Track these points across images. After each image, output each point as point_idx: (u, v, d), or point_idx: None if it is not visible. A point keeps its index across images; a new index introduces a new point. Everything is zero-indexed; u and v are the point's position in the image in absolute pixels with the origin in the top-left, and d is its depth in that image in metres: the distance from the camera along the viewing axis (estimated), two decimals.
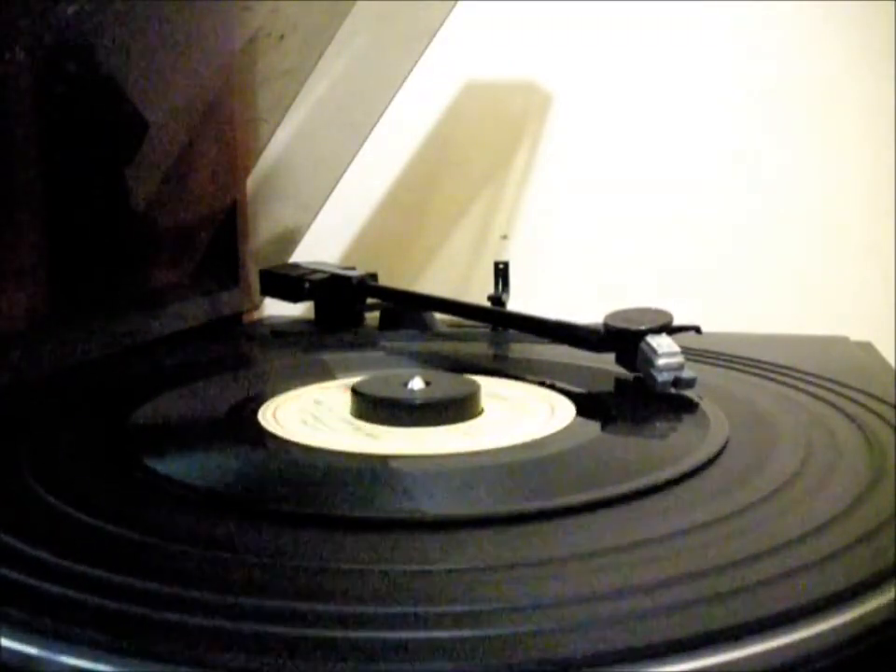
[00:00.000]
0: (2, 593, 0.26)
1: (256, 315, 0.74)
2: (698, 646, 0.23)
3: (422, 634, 0.24)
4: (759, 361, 0.52)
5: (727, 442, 0.38)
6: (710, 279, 0.76)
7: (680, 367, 0.45)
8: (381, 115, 0.71)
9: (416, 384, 0.44)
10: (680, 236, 0.77)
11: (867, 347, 0.58)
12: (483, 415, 0.43)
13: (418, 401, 0.42)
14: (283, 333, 0.65)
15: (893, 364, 0.55)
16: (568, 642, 0.24)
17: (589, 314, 0.52)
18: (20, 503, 0.33)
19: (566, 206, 0.79)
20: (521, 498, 0.34)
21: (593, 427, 0.42)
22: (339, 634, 0.24)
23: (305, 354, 0.59)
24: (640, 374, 0.47)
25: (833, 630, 0.24)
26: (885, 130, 0.72)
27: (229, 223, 0.69)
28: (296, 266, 0.69)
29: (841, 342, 0.59)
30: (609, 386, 0.48)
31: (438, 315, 0.65)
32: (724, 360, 0.53)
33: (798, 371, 0.50)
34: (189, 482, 0.35)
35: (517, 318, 0.57)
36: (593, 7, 0.75)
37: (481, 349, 0.60)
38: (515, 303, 0.63)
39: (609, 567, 0.28)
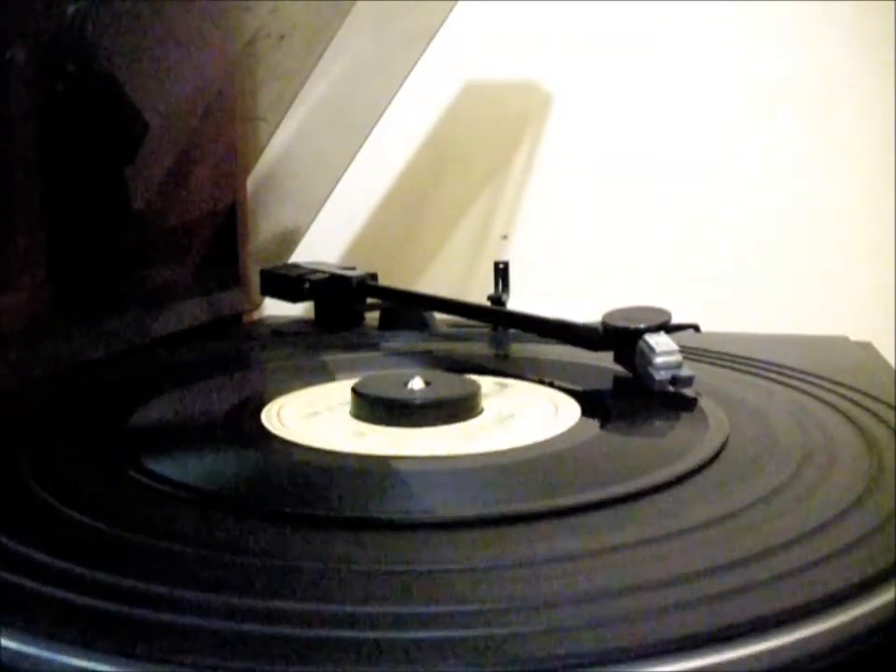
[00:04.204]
0: (2, 594, 0.26)
1: (256, 315, 0.74)
2: (698, 646, 0.23)
3: (422, 634, 0.24)
4: (759, 361, 0.52)
5: (726, 442, 0.38)
6: (710, 279, 0.76)
7: (678, 365, 0.45)
8: (381, 115, 0.71)
9: (416, 384, 0.44)
10: (680, 236, 0.77)
11: (867, 347, 0.58)
12: (483, 415, 0.43)
13: (418, 401, 0.42)
14: (283, 333, 0.65)
15: (893, 364, 0.55)
16: (569, 642, 0.24)
17: (589, 313, 0.52)
18: (19, 504, 0.33)
19: (565, 206, 0.79)
20: (520, 498, 0.34)
21: (592, 426, 0.42)
22: (339, 634, 0.24)
23: (305, 354, 0.59)
24: (639, 373, 0.47)
25: (833, 630, 0.24)
26: (885, 130, 0.72)
27: (229, 223, 0.69)
28: (296, 266, 0.69)
29: (841, 342, 0.59)
30: (607, 385, 0.48)
31: (438, 315, 0.65)
32: (724, 360, 0.53)
33: (798, 370, 0.50)
34: (189, 483, 0.35)
35: (517, 318, 0.57)
36: (592, 7, 0.75)
37: (481, 349, 0.60)
38: (515, 303, 0.63)
39: (608, 566, 0.28)
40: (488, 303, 0.63)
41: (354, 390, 0.44)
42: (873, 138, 0.73)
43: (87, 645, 0.23)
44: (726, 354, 0.54)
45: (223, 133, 0.65)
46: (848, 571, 0.27)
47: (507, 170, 0.80)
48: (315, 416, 0.43)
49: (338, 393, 0.47)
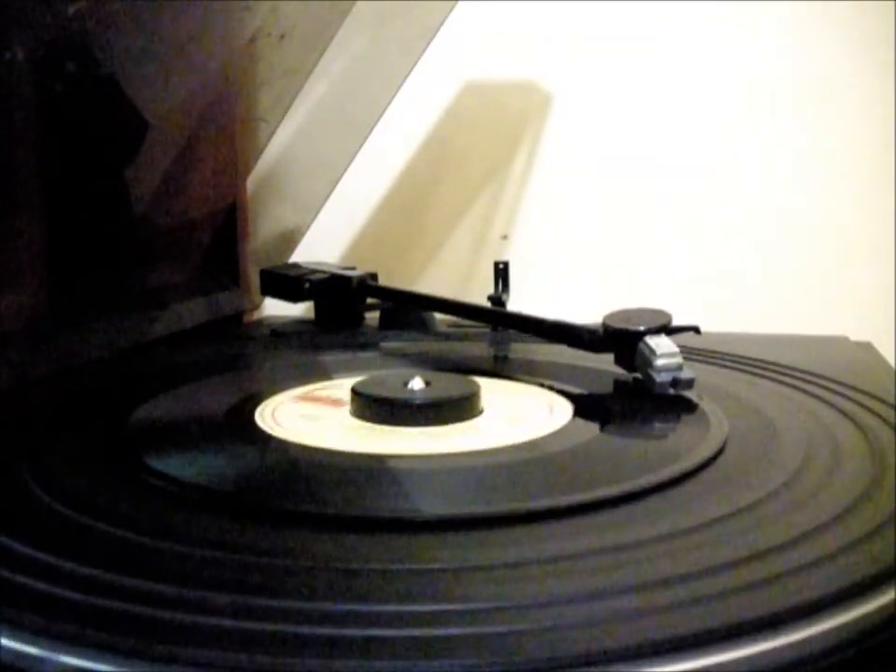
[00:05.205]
0: (1, 594, 0.26)
1: (256, 315, 0.74)
2: (698, 646, 0.23)
3: (420, 633, 0.24)
4: (759, 361, 0.52)
5: (726, 442, 0.38)
6: (710, 279, 0.76)
7: (679, 367, 0.45)
8: (381, 115, 0.71)
9: (416, 384, 0.44)
10: (680, 236, 0.77)
11: (867, 347, 0.58)
12: (483, 415, 0.43)
13: (418, 401, 0.42)
14: (283, 333, 0.65)
15: (893, 364, 0.55)
16: (568, 641, 0.24)
17: (589, 313, 0.52)
18: (19, 504, 0.33)
19: (565, 206, 0.79)
20: (519, 498, 0.34)
21: (591, 428, 0.42)
22: (337, 633, 0.24)
23: (305, 354, 0.59)
24: (639, 375, 0.47)
25: (833, 630, 0.24)
26: (885, 130, 0.72)
27: (229, 223, 0.69)
28: (296, 266, 0.69)
29: (841, 342, 0.59)
30: (608, 387, 0.48)
31: (438, 315, 0.65)
32: (724, 360, 0.53)
33: (798, 370, 0.50)
34: (189, 482, 0.35)
35: (517, 318, 0.57)
36: (592, 7, 0.75)
37: (481, 349, 0.60)
38: (515, 303, 0.63)
39: (607, 566, 0.28)
40: (488, 303, 0.63)
41: (354, 390, 0.44)
42: (873, 138, 0.73)
43: (87, 645, 0.23)
44: (726, 354, 0.54)
45: (223, 133, 0.65)
46: (848, 571, 0.27)
47: (507, 170, 0.80)
48: (314, 416, 0.43)
49: (338, 393, 0.47)
